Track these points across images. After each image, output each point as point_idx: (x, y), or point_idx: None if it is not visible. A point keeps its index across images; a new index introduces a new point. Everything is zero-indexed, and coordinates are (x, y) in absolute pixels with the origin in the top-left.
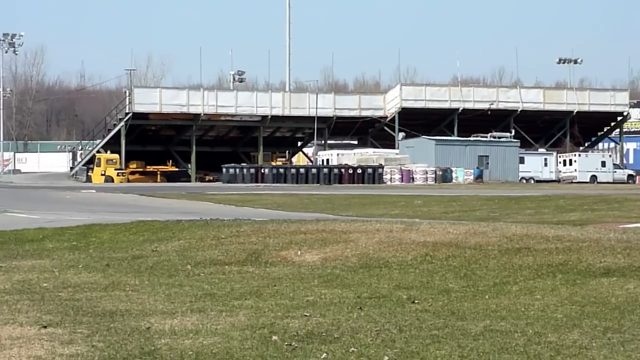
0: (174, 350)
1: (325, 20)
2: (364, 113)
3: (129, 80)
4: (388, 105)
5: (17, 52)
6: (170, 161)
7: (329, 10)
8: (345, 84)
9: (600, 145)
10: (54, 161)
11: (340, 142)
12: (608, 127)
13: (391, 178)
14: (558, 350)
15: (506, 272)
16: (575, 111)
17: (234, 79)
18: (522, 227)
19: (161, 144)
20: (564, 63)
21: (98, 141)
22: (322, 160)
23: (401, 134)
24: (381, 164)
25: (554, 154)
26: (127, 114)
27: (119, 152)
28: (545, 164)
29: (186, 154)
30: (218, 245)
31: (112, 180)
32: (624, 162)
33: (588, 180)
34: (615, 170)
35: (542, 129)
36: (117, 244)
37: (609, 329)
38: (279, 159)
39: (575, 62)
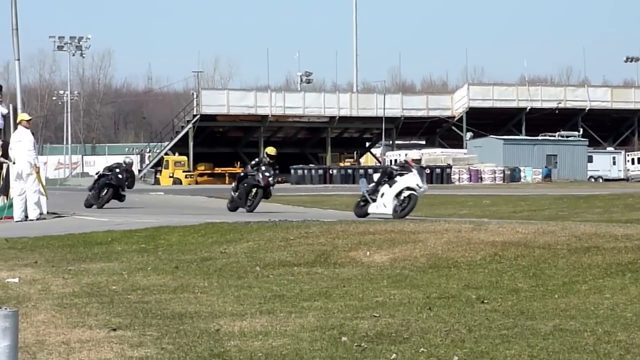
0: (243, 352)
1: (392, 21)
2: (432, 113)
3: (196, 82)
4: (456, 105)
5: (84, 55)
6: (239, 163)
7: (396, 10)
8: (412, 84)
9: None
10: None
11: (408, 142)
12: None
13: (459, 178)
14: (627, 349)
15: (575, 271)
16: None
17: (301, 80)
18: (591, 226)
19: (229, 146)
20: (631, 61)
21: (166, 143)
22: (390, 161)
23: (469, 134)
24: (449, 164)
25: (622, 152)
26: (194, 115)
27: (187, 154)
28: (614, 163)
29: (254, 155)
30: (287, 246)
31: (180, 182)
32: None
33: None
34: None
35: (610, 128)
36: (186, 246)
37: None
38: (347, 160)
39: None
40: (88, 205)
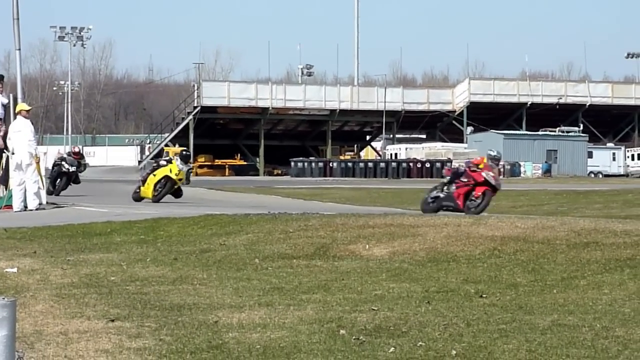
0: (241, 344)
1: (394, 14)
2: (433, 107)
3: (197, 74)
4: (456, 99)
5: (85, 46)
6: (239, 155)
7: (398, 3)
8: (413, 78)
9: None
10: (122, 155)
11: (408, 136)
12: None
13: None
14: (625, 344)
15: (574, 266)
16: None
17: (302, 73)
18: (591, 222)
19: (229, 138)
20: (632, 57)
21: (166, 135)
22: (391, 155)
23: (469, 128)
24: (449, 158)
25: (622, 148)
26: (195, 107)
27: (187, 146)
28: (614, 159)
29: (254, 147)
30: (286, 239)
31: None
32: None
33: None
34: None
35: (610, 124)
36: (185, 238)
37: None
38: (347, 153)
39: None
40: None
